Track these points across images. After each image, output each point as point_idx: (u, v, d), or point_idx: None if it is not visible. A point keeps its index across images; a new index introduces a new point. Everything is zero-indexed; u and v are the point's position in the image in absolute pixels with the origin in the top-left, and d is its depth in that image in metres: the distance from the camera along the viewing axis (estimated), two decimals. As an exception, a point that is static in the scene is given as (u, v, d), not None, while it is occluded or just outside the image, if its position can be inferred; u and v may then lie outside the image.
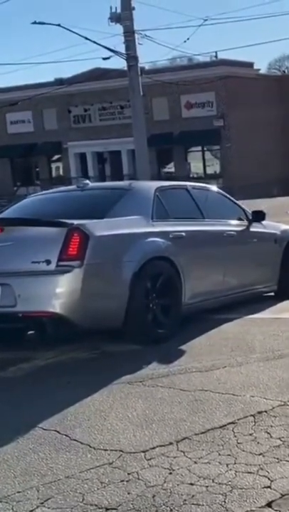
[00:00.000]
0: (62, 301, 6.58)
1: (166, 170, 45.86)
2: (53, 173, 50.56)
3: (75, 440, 4.97)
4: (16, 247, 6.83)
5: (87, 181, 8.41)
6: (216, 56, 43.57)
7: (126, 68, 34.72)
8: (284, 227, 10.23)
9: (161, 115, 42.70)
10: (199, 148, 44.99)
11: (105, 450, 4.76)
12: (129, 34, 33.83)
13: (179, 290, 7.55)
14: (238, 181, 39.71)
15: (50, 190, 9.05)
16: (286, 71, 70.11)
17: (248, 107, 41.47)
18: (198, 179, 43.95)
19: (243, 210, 9.47)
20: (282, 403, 5.35)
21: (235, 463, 4.41)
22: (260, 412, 5.20)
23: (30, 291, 6.65)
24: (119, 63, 48.80)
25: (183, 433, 4.93)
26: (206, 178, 43.65)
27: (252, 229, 9.31)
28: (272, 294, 9.70)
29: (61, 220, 6.77)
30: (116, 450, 4.73)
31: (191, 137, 42.24)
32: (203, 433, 4.91)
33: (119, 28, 34.51)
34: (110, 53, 34.54)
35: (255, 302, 9.28)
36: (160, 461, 4.52)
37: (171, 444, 4.77)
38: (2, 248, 6.86)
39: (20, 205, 8.47)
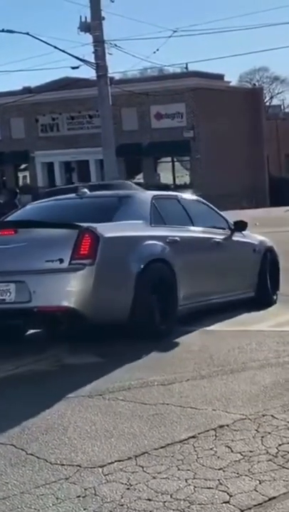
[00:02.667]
0: (75, 296, 7.14)
1: (135, 180, 45.91)
2: (20, 182, 50.33)
3: (31, 455, 4.89)
4: (30, 247, 7.40)
5: (86, 190, 8.88)
6: (186, 68, 43.86)
7: (95, 78, 34.78)
8: (261, 238, 10.82)
9: (130, 125, 42.79)
10: (169, 159, 45.15)
11: (62, 465, 4.69)
12: (99, 44, 33.90)
13: (175, 290, 8.14)
14: (208, 192, 39.87)
15: (51, 199, 9.44)
16: (256, 84, 70.82)
17: (218, 118, 41.75)
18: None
19: (226, 220, 10.13)
20: (244, 417, 5.33)
21: (194, 478, 4.37)
22: (221, 426, 5.18)
23: (45, 287, 7.18)
24: (89, 72, 48.83)
25: (142, 447, 4.88)
26: (176, 189, 43.77)
27: (234, 238, 9.92)
28: (247, 301, 10.05)
29: (73, 223, 7.39)
30: (73, 465, 4.67)
31: (161, 148, 42.39)
32: (162, 447, 4.87)
33: (89, 38, 34.60)
34: (80, 62, 34.62)
35: (220, 313, 9.29)
36: (118, 476, 4.47)
37: (129, 458, 4.72)
38: (16, 248, 7.41)
39: (23, 212, 9.11)
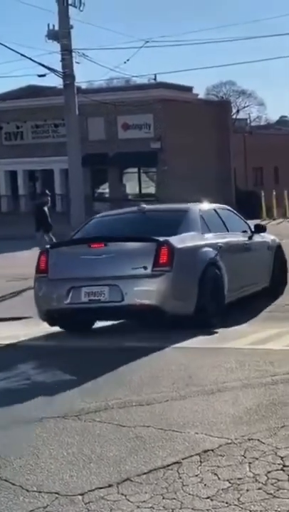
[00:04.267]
0: (157, 296, 9.04)
1: (100, 190, 45.73)
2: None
3: (5, 481, 4.65)
4: (118, 257, 9.22)
5: (145, 205, 10.93)
6: (154, 79, 43.82)
7: (62, 86, 34.56)
8: (272, 236, 12.90)
9: (96, 135, 42.56)
10: (135, 169, 45.01)
11: (39, 492, 4.46)
12: (67, 52, 33.70)
13: (223, 287, 9.98)
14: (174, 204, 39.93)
15: (115, 212, 11.92)
16: (224, 97, 71.22)
17: (186, 130, 41.77)
18: (133, 201, 43.86)
19: (248, 224, 12.13)
20: (229, 441, 5.15)
21: (181, 507, 4.18)
22: (205, 451, 4.99)
23: (134, 289, 9.07)
24: (56, 81, 48.51)
25: (124, 474, 4.67)
26: (142, 200, 43.61)
27: (254, 239, 11.82)
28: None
29: (152, 237, 9.24)
30: (51, 492, 4.45)
31: (127, 158, 42.23)
32: (145, 474, 4.66)
33: (56, 46, 34.38)
34: (46, 70, 34.36)
35: (198, 332, 9.11)
36: (99, 505, 4.26)
37: (111, 486, 4.51)
38: (107, 258, 9.23)
39: (95, 225, 10.73)
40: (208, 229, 10.38)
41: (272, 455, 4.88)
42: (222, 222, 11.04)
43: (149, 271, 9.09)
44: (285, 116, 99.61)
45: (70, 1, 34.13)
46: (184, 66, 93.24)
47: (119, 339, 9.23)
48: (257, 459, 4.83)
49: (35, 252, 17.79)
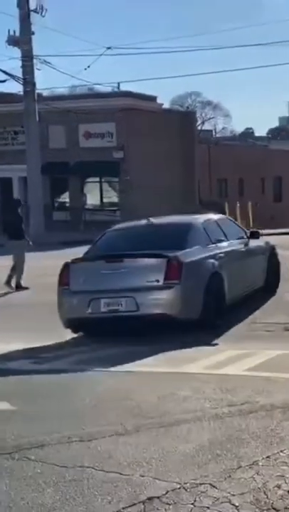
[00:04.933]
0: (168, 305, 10.24)
1: (60, 200, 45.02)
2: None
3: None
4: (133, 271, 10.41)
5: (152, 219, 12.01)
6: (118, 87, 43.34)
7: (22, 93, 33.93)
8: (266, 240, 14.23)
9: (57, 143, 41.83)
10: (97, 179, 44.39)
11: None
12: (27, 59, 33.14)
13: (224, 293, 11.06)
14: (136, 215, 39.30)
15: (126, 225, 12.86)
16: (189, 108, 71.10)
17: (150, 140, 41.32)
18: (94, 211, 43.22)
19: (244, 230, 13.41)
20: (178, 486, 4.60)
21: None
22: (150, 499, 4.43)
23: (148, 300, 10.23)
24: (16, 87, 47.78)
25: (55, 528, 4.09)
26: (103, 209, 43.00)
27: (250, 244, 12.94)
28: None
29: (163, 253, 10.45)
30: None
31: (89, 168, 41.60)
32: (80, 528, 4.09)
33: (17, 51, 33.77)
34: (6, 76, 33.72)
35: (150, 352, 8.57)
36: None
37: None
38: (124, 273, 10.43)
39: (109, 239, 11.86)
40: (210, 240, 11.56)
41: (226, 503, 4.34)
42: (222, 232, 12.18)
43: (161, 283, 10.31)
44: (250, 128, 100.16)
45: (32, 7, 33.70)
46: (148, 75, 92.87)
47: (68, 362, 8.66)
48: (208, 507, 4.29)
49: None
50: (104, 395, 6.88)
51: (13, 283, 17.14)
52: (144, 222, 11.97)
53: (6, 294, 16.30)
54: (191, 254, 10.74)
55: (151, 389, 6.96)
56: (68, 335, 10.70)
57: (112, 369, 7.94)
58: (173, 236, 11.36)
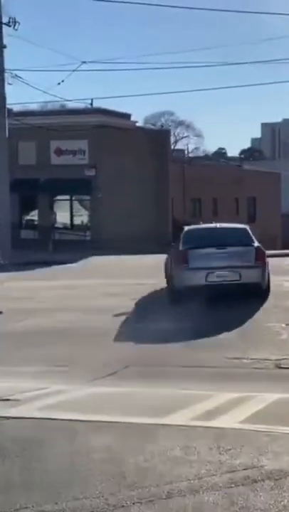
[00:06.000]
0: (259, 278, 15.89)
1: (28, 218, 43.94)
2: None
3: None
4: (233, 254, 15.94)
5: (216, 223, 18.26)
6: (91, 104, 42.52)
7: (-9, 107, 32.95)
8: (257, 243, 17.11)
9: (27, 160, 40.84)
10: (67, 197, 43.44)
11: None
12: (-2, 72, 32.22)
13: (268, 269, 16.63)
14: (107, 234, 38.44)
15: (200, 227, 18.35)
16: (163, 126, 70.52)
17: (123, 158, 40.53)
18: (64, 229, 42.23)
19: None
20: None
21: None
22: None
23: (246, 274, 15.72)
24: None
25: None
26: (73, 229, 42.00)
27: None
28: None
29: (251, 243, 16.28)
30: None
31: (59, 185, 40.64)
32: None
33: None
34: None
35: (134, 400, 7.60)
36: None
37: None
38: (228, 256, 15.88)
39: (193, 235, 16.93)
40: (253, 240, 16.60)
41: None
42: (250, 236, 16.84)
43: (252, 263, 16.01)
44: (223, 149, 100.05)
45: (3, 20, 32.82)
46: (121, 92, 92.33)
47: (35, 407, 7.65)
48: None
49: None
50: (80, 454, 5.90)
51: None
52: (212, 225, 18.11)
53: None
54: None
55: (135, 447, 6.00)
56: (34, 372, 9.73)
57: (86, 418, 6.95)
58: (238, 235, 16.88)
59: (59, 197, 43.25)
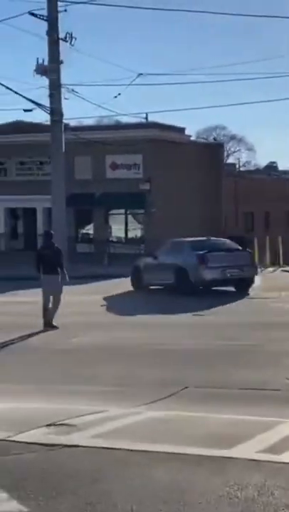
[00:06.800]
0: (252, 273, 22.91)
1: (84, 231, 43.69)
2: None
3: None
4: (237, 256, 22.50)
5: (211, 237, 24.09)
6: (146, 118, 42.11)
7: (49, 122, 32.77)
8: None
9: (83, 174, 40.60)
10: (122, 211, 43.07)
11: None
12: (55, 87, 32.00)
13: None
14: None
15: (197, 239, 23.51)
16: (215, 140, 69.85)
17: (177, 172, 40.00)
18: (118, 243, 41.81)
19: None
20: None
21: None
22: None
23: (246, 271, 22.31)
24: (42, 116, 46.88)
25: None
26: (127, 242, 41.53)
27: None
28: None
29: (247, 250, 24.19)
30: None
31: (114, 199, 40.29)
32: None
33: (43, 81, 32.67)
34: (33, 105, 32.58)
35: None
36: None
37: None
38: (234, 258, 22.16)
39: (197, 245, 22.59)
40: None
41: None
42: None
43: (248, 264, 22.56)
44: (274, 162, 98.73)
45: (60, 36, 32.66)
46: (175, 106, 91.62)
47: (86, 435, 7.06)
48: None
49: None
50: (143, 490, 5.27)
51: (55, 322, 15.74)
52: (206, 238, 23.68)
53: (29, 335, 14.86)
54: None
55: (202, 484, 5.34)
56: (89, 392, 9.17)
57: (147, 447, 6.33)
58: (232, 245, 23.65)
59: (114, 211, 42.91)
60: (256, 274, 23.20)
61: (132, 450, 6.32)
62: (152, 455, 6.17)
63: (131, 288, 23.82)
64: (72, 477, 5.67)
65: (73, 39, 32.73)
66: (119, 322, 16.82)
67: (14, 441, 6.80)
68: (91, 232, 43.23)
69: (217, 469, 5.74)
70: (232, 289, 22.23)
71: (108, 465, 5.94)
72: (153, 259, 23.63)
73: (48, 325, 15.66)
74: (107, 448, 6.46)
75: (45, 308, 15.97)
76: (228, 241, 24.07)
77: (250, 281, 22.34)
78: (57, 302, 15.97)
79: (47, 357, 12.62)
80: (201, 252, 21.62)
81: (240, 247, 23.48)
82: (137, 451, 6.28)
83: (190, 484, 5.39)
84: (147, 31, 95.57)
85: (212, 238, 23.73)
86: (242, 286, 22.02)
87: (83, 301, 20.63)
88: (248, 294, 21.63)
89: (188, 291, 21.05)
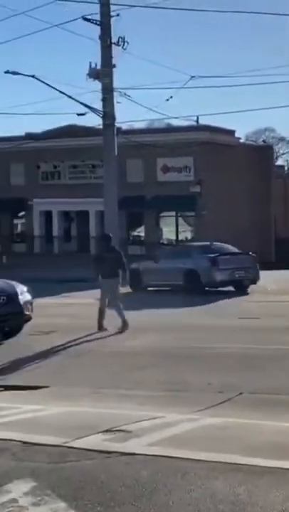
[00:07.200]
0: (255, 274, 25.05)
1: (135, 234, 43.69)
2: (17, 230, 48.07)
3: None
4: (243, 260, 24.87)
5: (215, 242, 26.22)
6: (197, 121, 41.91)
7: (101, 126, 32.75)
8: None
9: (135, 177, 40.63)
10: (173, 213, 42.93)
11: None
12: (107, 91, 31.96)
13: None
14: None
15: (204, 243, 26.37)
16: (265, 142, 69.18)
17: (227, 174, 39.73)
18: (169, 245, 41.69)
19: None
20: None
21: None
22: None
23: (252, 272, 24.86)
24: (93, 120, 46.96)
25: None
26: (178, 245, 41.40)
27: None
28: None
29: (250, 253, 25.89)
30: None
31: (165, 202, 40.20)
32: None
33: (96, 85, 32.66)
34: (86, 109, 32.60)
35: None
36: None
37: None
38: (240, 261, 24.63)
39: (207, 248, 25.30)
40: None
41: None
42: None
43: (253, 265, 24.66)
44: None
45: (113, 40, 32.62)
46: (225, 108, 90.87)
47: (142, 442, 6.89)
48: None
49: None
50: (203, 504, 5.08)
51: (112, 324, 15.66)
52: (210, 242, 26.06)
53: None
54: None
55: (266, 498, 5.12)
56: (144, 396, 9.01)
57: (204, 457, 6.12)
58: (234, 249, 25.90)
59: (165, 213, 42.81)
60: (259, 275, 24.83)
61: (190, 459, 6.13)
62: (211, 465, 5.97)
63: (182, 290, 23.76)
64: (130, 487, 5.50)
65: (126, 43, 32.68)
66: (171, 324, 16.64)
67: (72, 447, 6.67)
68: (142, 234, 43.20)
69: (278, 482, 5.51)
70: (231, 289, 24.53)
71: (166, 475, 5.76)
72: (154, 262, 25.63)
73: (102, 327, 15.57)
74: (165, 456, 6.28)
75: (102, 311, 15.83)
76: (230, 246, 25.94)
77: (253, 282, 24.46)
78: (114, 305, 15.83)
79: (99, 360, 12.53)
80: (213, 255, 23.87)
81: (242, 251, 25.92)
82: (195, 460, 6.08)
83: (251, 497, 5.18)
84: (198, 33, 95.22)
85: (215, 243, 25.80)
86: (243, 287, 24.12)
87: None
88: (248, 294, 23.88)
89: (199, 292, 22.82)
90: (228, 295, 23.46)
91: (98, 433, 7.17)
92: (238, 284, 24.28)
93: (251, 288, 24.78)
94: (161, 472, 5.86)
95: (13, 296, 14.31)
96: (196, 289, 23.03)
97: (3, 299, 14.12)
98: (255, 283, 24.50)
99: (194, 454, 6.28)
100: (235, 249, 25.90)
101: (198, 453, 6.29)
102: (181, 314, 18.67)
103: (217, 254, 24.14)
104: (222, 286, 24.02)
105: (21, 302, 14.39)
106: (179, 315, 18.47)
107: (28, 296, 14.73)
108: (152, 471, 5.91)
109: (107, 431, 7.26)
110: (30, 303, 14.69)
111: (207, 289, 23.72)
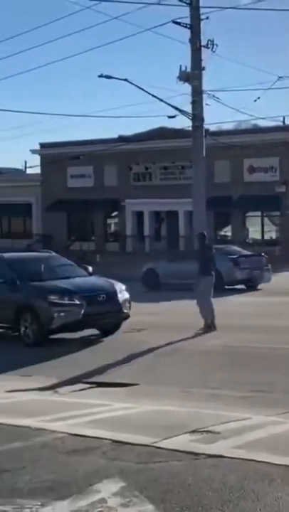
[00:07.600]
0: (270, 274, 25.80)
1: (222, 233, 43.27)
2: (111, 229, 48.47)
3: None
4: (257, 261, 25.75)
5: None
6: (283, 121, 41.11)
7: (190, 128, 32.56)
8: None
9: (222, 178, 40.23)
10: (258, 213, 42.31)
11: None
12: (197, 94, 31.73)
13: None
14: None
15: (220, 246, 25.47)
16: None
17: (313, 174, 38.81)
18: (254, 245, 41.13)
19: None
20: None
21: None
22: None
23: (265, 272, 25.57)
24: (182, 122, 46.79)
25: None
26: (263, 244, 40.72)
27: None
28: None
29: (262, 254, 26.90)
30: None
31: (251, 202, 39.64)
32: None
33: (185, 87, 32.49)
34: (176, 112, 32.47)
35: None
36: None
37: None
38: (254, 261, 25.52)
39: (225, 250, 25.48)
40: None
41: None
42: None
43: (266, 265, 25.45)
44: None
45: (202, 43, 32.35)
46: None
47: (228, 444, 6.70)
48: None
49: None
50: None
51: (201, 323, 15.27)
52: (225, 245, 28.75)
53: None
54: None
55: None
56: (231, 397, 8.80)
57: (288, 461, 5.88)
58: (245, 251, 26.92)
59: (250, 213, 42.25)
60: (271, 275, 25.52)
61: (277, 464, 5.91)
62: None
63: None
64: (217, 491, 5.33)
65: (215, 46, 32.33)
66: (262, 324, 16.29)
67: (160, 447, 6.57)
68: (229, 234, 42.77)
69: None
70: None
71: (254, 480, 5.56)
72: (171, 262, 26.52)
73: (211, 326, 15.16)
74: (252, 460, 6.08)
75: (212, 309, 15.32)
76: (240, 248, 27.77)
77: (267, 281, 25.15)
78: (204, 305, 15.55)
79: (187, 358, 12.37)
80: (235, 256, 25.20)
81: (255, 253, 27.41)
82: (283, 466, 5.86)
83: None
84: (287, 33, 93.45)
85: (229, 246, 28.94)
86: (255, 285, 24.97)
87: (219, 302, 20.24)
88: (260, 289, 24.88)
89: (220, 290, 22.51)
90: (239, 292, 23.49)
91: (186, 433, 7.04)
92: (252, 283, 24.97)
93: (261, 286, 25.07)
94: (248, 477, 5.67)
95: (112, 295, 14.34)
96: (217, 288, 22.79)
97: (103, 297, 14.17)
98: (269, 281, 25.20)
99: (282, 459, 6.05)
100: (247, 252, 27.26)
101: (286, 458, 6.07)
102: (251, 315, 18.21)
103: (237, 256, 25.44)
104: (240, 284, 24.78)
105: (120, 300, 14.39)
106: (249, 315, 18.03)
107: (126, 295, 14.73)
108: (239, 475, 5.72)
109: (194, 431, 7.11)
110: (129, 301, 14.68)
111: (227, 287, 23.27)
